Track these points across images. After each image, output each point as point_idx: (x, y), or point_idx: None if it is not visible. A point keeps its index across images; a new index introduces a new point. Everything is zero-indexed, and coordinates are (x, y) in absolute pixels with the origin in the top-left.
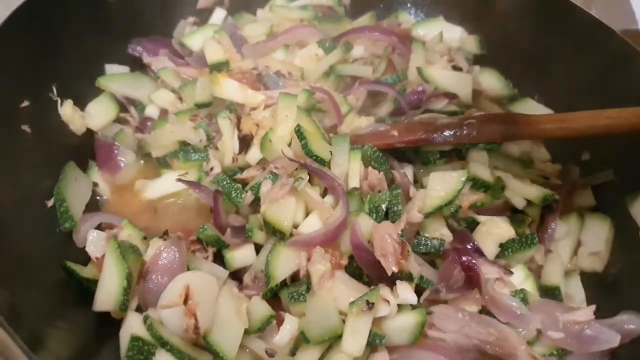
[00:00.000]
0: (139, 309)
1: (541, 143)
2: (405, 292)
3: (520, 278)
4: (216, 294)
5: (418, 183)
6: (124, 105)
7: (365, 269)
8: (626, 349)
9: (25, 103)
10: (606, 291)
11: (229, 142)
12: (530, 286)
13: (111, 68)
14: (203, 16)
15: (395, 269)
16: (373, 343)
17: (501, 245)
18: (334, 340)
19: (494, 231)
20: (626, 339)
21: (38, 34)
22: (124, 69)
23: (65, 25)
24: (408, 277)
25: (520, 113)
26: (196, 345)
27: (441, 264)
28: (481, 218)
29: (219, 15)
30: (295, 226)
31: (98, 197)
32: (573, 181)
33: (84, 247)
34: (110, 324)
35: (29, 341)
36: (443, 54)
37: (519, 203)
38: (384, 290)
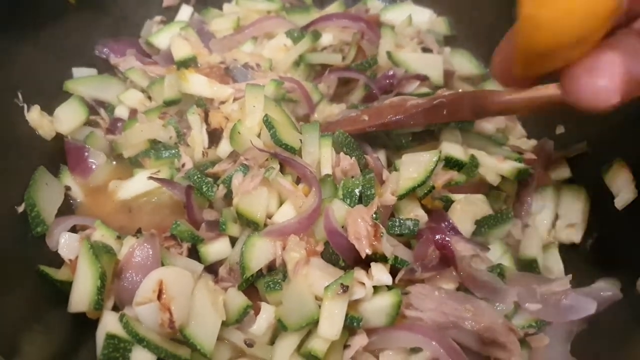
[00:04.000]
0: (117, 309)
1: (516, 120)
2: (380, 273)
3: (497, 254)
4: (191, 288)
5: (392, 166)
6: (93, 107)
7: (340, 254)
8: (604, 315)
9: None
10: (584, 261)
11: (198, 137)
12: (508, 261)
13: (79, 71)
14: (169, 14)
15: (368, 251)
16: (351, 326)
17: (477, 223)
18: (312, 326)
19: (469, 208)
20: (603, 306)
21: None
22: (92, 71)
23: (27, 29)
24: (382, 259)
25: (489, 90)
26: (174, 340)
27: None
28: (456, 196)
29: (185, 12)
30: (270, 216)
31: (72, 201)
32: (548, 155)
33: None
34: (87, 325)
35: (3, 349)
36: (412, 37)
37: (493, 180)
38: (358, 273)
